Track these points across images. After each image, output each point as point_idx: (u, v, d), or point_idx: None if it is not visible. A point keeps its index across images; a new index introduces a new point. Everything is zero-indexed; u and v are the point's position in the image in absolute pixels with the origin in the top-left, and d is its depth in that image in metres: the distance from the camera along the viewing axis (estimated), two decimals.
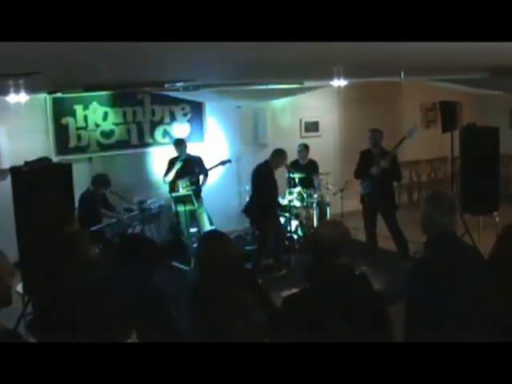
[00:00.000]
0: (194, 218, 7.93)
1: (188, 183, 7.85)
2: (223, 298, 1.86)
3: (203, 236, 3.20)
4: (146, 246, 3.21)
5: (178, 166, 7.87)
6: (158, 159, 8.62)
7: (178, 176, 7.88)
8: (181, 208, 7.82)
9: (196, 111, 9.07)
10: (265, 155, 9.11)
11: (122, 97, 8.35)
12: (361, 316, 2.52)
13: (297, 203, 8.04)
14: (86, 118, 8.20)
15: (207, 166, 8.09)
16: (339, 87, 7.26)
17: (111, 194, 7.28)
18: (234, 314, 1.79)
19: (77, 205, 6.12)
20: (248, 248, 7.55)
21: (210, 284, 2.69)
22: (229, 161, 8.23)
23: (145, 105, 8.66)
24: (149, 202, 7.58)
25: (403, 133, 7.75)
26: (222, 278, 2.66)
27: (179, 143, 7.98)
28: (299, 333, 2.45)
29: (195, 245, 8.08)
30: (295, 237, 8.02)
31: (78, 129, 8.17)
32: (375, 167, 7.16)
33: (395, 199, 7.53)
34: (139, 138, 8.69)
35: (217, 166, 8.10)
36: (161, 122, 8.84)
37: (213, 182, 8.64)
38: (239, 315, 1.78)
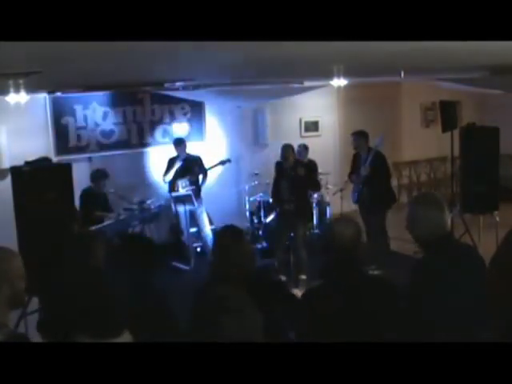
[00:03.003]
0: (193, 218, 7.94)
1: (188, 183, 7.85)
2: (214, 296, 1.86)
3: (221, 231, 3.11)
4: (146, 246, 3.21)
5: (177, 165, 7.86)
6: (158, 159, 8.62)
7: (178, 176, 7.88)
8: (181, 208, 7.82)
9: (196, 111, 9.08)
10: (265, 155, 9.11)
11: (122, 97, 8.35)
12: (374, 316, 2.52)
13: None
14: (85, 117, 8.21)
15: (207, 165, 8.09)
16: (339, 87, 7.25)
17: (111, 194, 7.30)
18: (223, 312, 1.79)
19: (77, 202, 6.14)
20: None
21: (213, 282, 2.69)
22: (228, 160, 8.23)
23: (145, 105, 8.66)
24: (149, 202, 7.58)
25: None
26: (230, 276, 2.66)
27: (179, 143, 7.98)
28: (316, 327, 2.47)
29: (194, 244, 8.11)
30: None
31: (77, 128, 8.17)
32: (355, 175, 7.21)
33: (390, 197, 7.27)
34: (139, 137, 8.69)
35: (216, 165, 8.11)
36: (161, 122, 8.84)
37: (213, 181, 8.65)
38: (229, 314, 1.78)
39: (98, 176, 7.13)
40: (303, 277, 6.84)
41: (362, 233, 2.75)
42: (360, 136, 7.25)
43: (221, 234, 2.98)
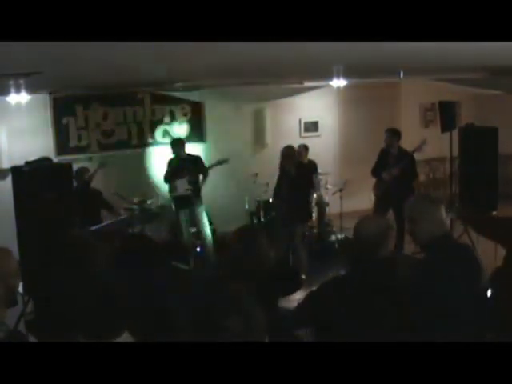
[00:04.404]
0: (193, 218, 7.93)
1: (187, 183, 7.83)
2: (217, 295, 1.86)
3: (243, 231, 3.20)
4: (146, 246, 3.21)
5: (177, 165, 7.85)
6: (158, 159, 8.62)
7: (178, 176, 7.86)
8: (180, 208, 7.81)
9: (196, 111, 9.07)
10: (265, 155, 9.10)
11: (122, 97, 8.36)
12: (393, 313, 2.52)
13: None
14: (86, 117, 8.21)
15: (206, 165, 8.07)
16: (339, 87, 7.25)
17: (111, 194, 7.30)
18: (226, 312, 1.79)
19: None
20: None
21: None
22: (226, 160, 8.17)
23: (145, 105, 8.66)
24: (149, 202, 7.58)
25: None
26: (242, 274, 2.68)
27: (176, 143, 7.95)
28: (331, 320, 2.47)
29: (194, 244, 8.11)
30: None
31: (78, 129, 8.17)
32: (386, 172, 7.26)
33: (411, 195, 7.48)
34: (139, 137, 8.69)
35: (214, 165, 8.05)
36: (161, 122, 8.84)
37: (213, 182, 8.63)
38: (231, 314, 1.78)
39: (80, 173, 7.07)
40: (303, 277, 6.85)
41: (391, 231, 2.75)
42: (394, 134, 7.42)
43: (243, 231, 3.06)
